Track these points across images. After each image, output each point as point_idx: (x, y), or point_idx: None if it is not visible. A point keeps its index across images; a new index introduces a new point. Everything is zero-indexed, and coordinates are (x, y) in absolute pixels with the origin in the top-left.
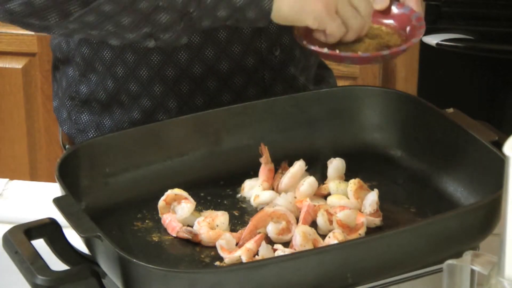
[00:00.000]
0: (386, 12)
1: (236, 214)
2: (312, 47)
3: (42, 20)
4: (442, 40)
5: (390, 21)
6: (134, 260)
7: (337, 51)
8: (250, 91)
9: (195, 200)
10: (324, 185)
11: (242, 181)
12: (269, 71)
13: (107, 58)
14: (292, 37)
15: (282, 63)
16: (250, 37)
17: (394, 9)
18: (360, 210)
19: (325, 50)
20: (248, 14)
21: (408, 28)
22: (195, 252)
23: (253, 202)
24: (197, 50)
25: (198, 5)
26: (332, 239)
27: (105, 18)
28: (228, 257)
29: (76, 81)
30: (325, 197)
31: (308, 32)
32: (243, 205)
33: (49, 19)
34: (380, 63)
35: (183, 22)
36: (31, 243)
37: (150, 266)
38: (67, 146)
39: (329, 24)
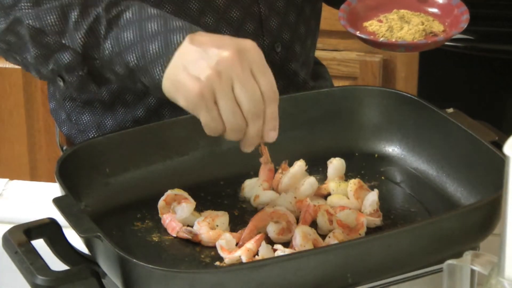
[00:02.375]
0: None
1: (236, 214)
2: (367, 37)
3: None
4: None
5: (433, 10)
6: (134, 260)
7: (394, 40)
8: None
9: (195, 200)
10: (324, 185)
11: (242, 181)
12: (271, 67)
13: None
14: (292, 33)
15: (283, 59)
16: (253, 35)
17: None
18: (360, 210)
19: (382, 39)
20: (142, 78)
21: (449, 20)
22: (195, 252)
23: (253, 202)
24: None
25: (98, 53)
26: (332, 239)
27: (22, 42)
28: (228, 257)
29: None
30: (325, 197)
31: (355, 20)
32: (243, 205)
33: None
34: (431, 49)
35: (86, 67)
36: (31, 243)
37: (150, 266)
38: (64, 148)
39: (202, 113)
